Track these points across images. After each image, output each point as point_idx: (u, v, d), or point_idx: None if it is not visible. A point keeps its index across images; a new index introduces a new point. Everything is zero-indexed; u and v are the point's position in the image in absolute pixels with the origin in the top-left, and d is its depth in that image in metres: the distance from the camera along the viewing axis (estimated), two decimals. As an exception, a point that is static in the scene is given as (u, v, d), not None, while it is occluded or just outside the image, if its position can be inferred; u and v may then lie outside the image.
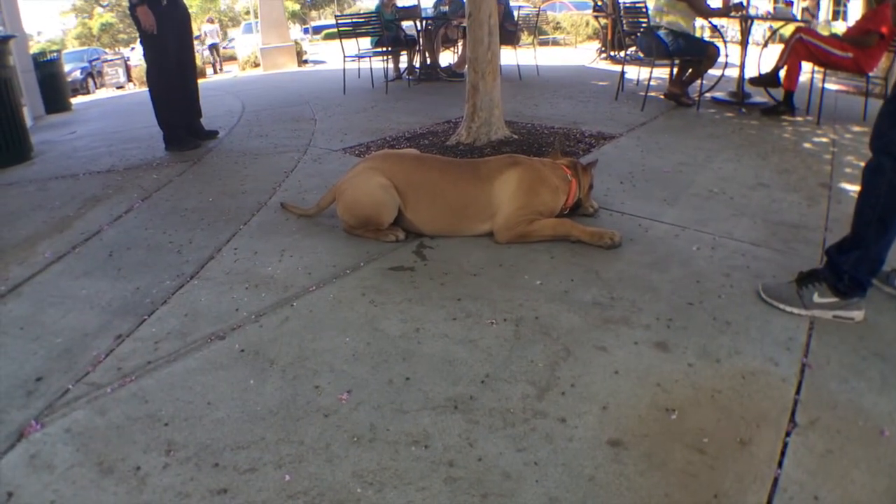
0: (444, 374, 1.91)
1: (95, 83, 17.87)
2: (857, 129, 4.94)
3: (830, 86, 5.39)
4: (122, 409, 1.81)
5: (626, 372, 1.90)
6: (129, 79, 18.05)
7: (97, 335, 2.20)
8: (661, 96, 6.17)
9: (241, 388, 1.88)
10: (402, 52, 8.86)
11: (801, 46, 5.11)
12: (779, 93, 5.51)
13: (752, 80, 5.65)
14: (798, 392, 1.81)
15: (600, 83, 7.73)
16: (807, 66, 5.40)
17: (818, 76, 5.36)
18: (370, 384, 1.88)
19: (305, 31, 34.29)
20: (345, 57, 7.84)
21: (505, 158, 2.96)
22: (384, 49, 8.15)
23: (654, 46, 5.69)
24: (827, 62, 5.14)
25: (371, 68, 8.48)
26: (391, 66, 8.93)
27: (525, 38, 9.61)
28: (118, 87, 17.53)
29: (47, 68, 8.62)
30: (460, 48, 8.98)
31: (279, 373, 1.94)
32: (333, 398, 1.82)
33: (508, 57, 7.95)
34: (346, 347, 2.07)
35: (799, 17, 6.14)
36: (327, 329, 2.19)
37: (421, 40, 8.59)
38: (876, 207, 2.03)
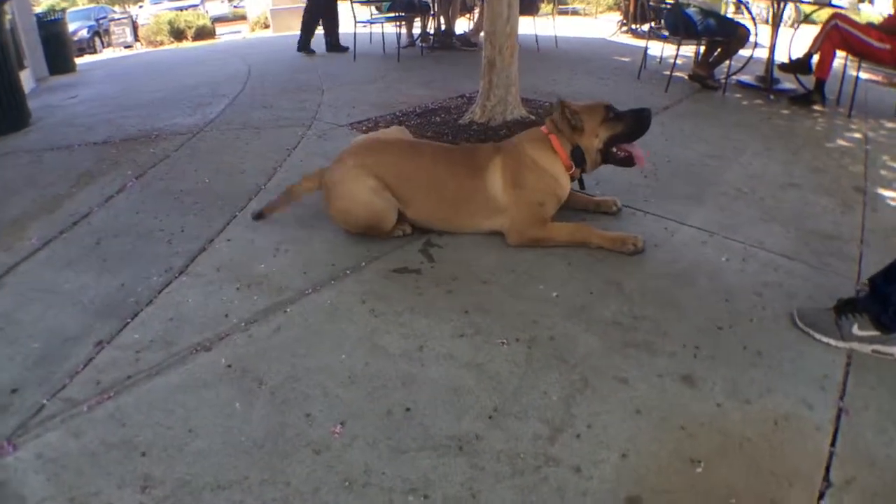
0: (448, 405, 1.75)
1: (103, 42, 17.42)
2: (890, 125, 4.66)
3: (861, 74, 5.07)
4: (98, 432, 1.67)
5: (648, 411, 1.74)
6: (137, 38, 17.64)
7: (77, 340, 2.05)
8: (686, 77, 5.88)
9: (225, 412, 1.73)
10: (416, 18, 8.53)
11: (837, 33, 4.80)
12: (809, 80, 5.22)
13: (783, 67, 5.34)
14: (833, 443, 1.64)
15: (622, 59, 7.40)
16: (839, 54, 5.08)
17: (851, 64, 5.05)
18: (366, 415, 1.72)
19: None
20: (356, 22, 7.54)
21: (489, 147, 2.73)
22: (396, 14, 7.83)
23: (682, 24, 5.39)
24: (862, 52, 4.80)
25: (383, 33, 8.16)
26: (404, 31, 8.61)
27: (544, 7, 9.24)
28: (126, 47, 17.14)
29: (51, 28, 8.32)
30: (476, 15, 8.64)
31: (268, 395, 1.79)
32: (325, 430, 1.66)
33: (527, 26, 7.62)
34: (341, 367, 1.91)
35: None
36: (322, 343, 2.02)
37: (435, 6, 8.26)
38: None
